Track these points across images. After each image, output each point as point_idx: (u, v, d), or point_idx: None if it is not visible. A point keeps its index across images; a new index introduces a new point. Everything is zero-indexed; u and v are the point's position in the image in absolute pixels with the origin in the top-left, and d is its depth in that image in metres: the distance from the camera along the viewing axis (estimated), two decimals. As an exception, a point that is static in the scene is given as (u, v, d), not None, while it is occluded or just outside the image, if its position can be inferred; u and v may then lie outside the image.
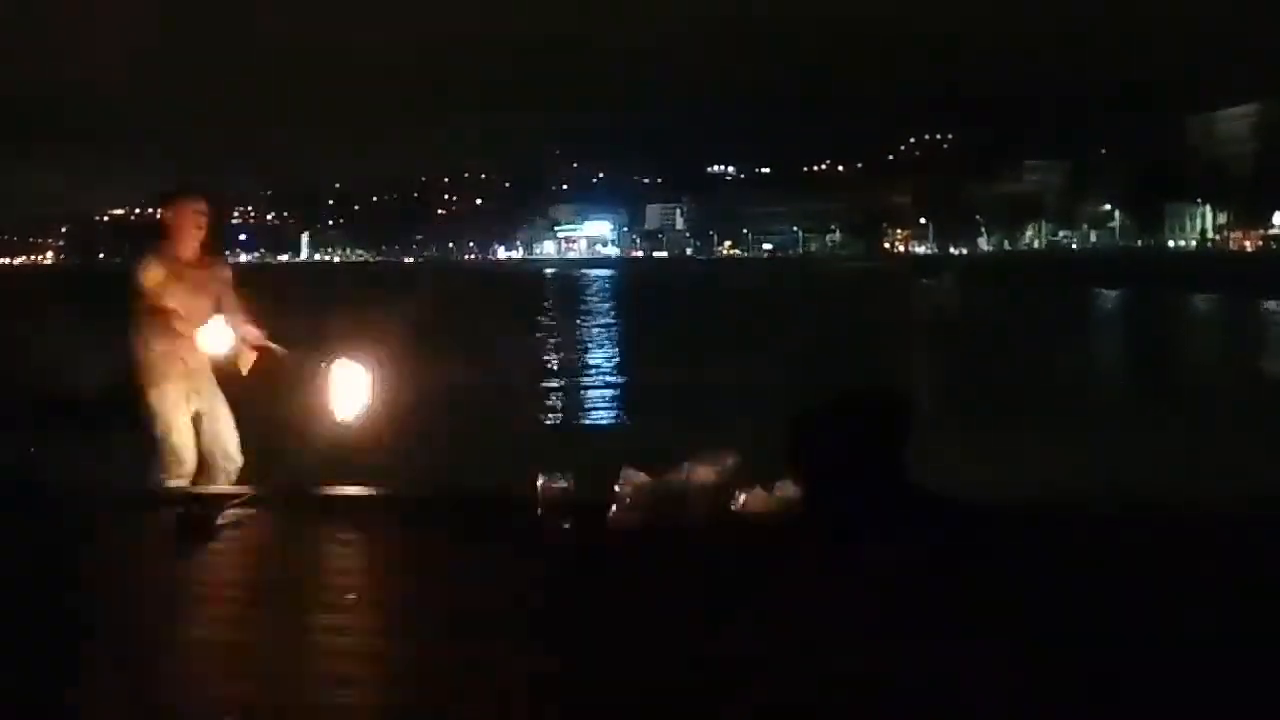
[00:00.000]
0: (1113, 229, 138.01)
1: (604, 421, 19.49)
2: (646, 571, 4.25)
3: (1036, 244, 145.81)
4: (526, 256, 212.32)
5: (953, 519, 4.54)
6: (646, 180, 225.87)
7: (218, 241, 6.34)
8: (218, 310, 6.04)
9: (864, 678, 3.15)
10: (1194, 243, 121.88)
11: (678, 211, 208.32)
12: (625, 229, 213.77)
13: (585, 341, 36.52)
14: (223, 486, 5.83)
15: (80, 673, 3.30)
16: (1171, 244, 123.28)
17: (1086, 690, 2.99)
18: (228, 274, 6.32)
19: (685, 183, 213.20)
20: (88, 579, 4.36)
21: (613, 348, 34.60)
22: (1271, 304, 46.18)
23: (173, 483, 5.86)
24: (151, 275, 5.98)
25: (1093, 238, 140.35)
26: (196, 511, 5.01)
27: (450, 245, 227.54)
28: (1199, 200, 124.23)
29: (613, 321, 47.35)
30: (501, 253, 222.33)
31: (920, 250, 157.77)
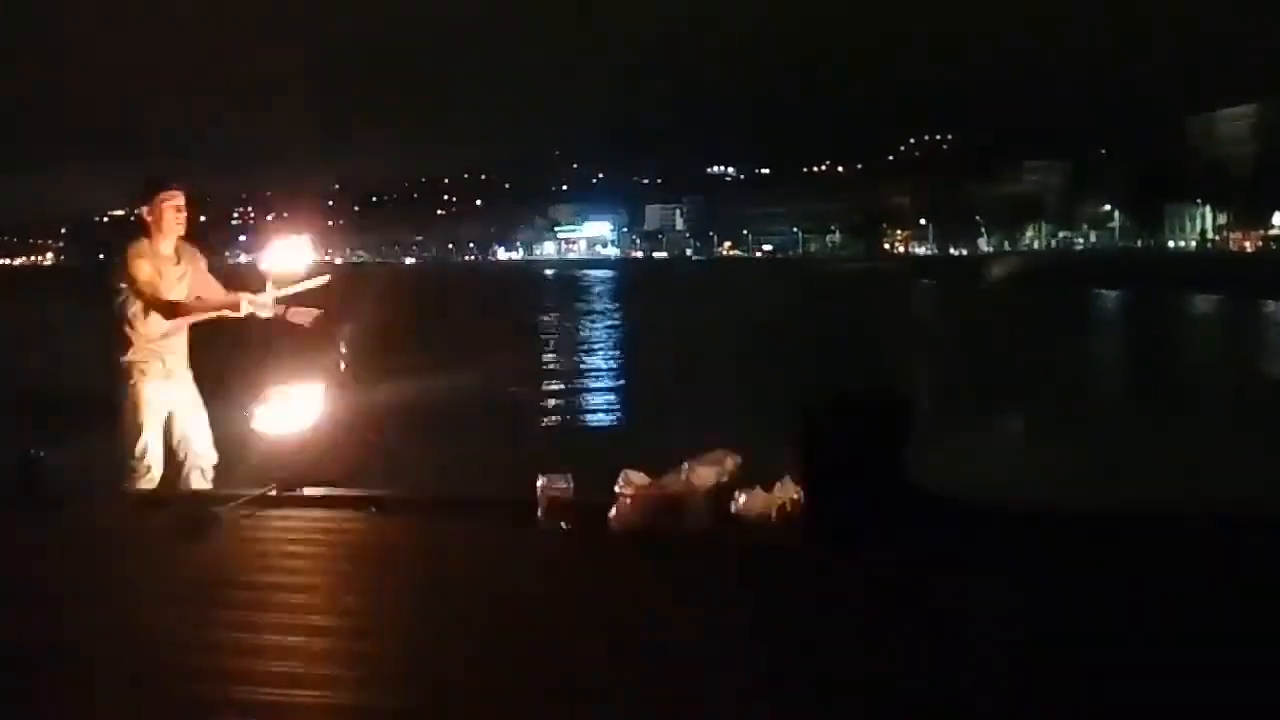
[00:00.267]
0: (1112, 229, 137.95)
1: (604, 423, 19.51)
2: (646, 573, 4.25)
3: (1037, 244, 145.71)
4: (526, 257, 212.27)
5: (953, 519, 4.54)
6: (646, 181, 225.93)
7: (193, 234, 6.26)
8: (200, 300, 6.04)
9: (864, 678, 3.15)
10: (1194, 243, 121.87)
11: (677, 212, 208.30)
12: (625, 230, 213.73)
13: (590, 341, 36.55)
14: (230, 488, 5.81)
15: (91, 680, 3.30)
16: (1171, 244, 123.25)
17: (1086, 691, 2.99)
18: (204, 264, 6.25)
19: (685, 183, 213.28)
20: (91, 580, 4.36)
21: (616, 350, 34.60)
22: (1271, 305, 46.17)
23: (140, 486, 5.81)
24: (141, 268, 5.90)
25: (1093, 238, 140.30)
26: (196, 512, 5.01)
27: (450, 246, 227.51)
28: (1199, 201, 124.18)
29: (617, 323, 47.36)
30: (501, 254, 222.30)
31: (920, 251, 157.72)
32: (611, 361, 30.90)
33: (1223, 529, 4.72)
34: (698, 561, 4.32)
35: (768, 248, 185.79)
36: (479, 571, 4.40)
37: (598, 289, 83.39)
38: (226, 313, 6.02)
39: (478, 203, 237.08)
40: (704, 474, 4.62)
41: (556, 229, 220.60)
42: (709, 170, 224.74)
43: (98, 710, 3.07)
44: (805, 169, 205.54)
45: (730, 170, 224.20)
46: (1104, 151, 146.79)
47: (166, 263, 6.02)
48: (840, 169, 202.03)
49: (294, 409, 5.41)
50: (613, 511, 4.58)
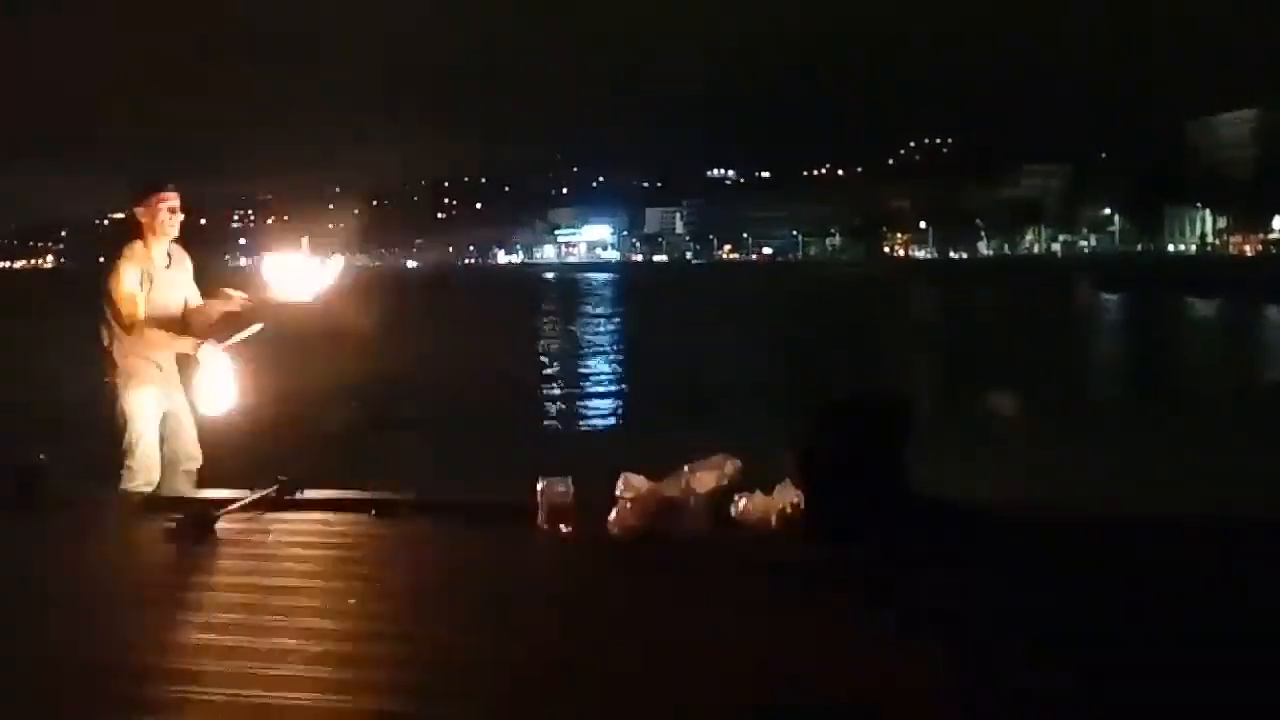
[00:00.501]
0: (1112, 233, 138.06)
1: (604, 425, 19.51)
2: (646, 577, 4.25)
3: (1036, 248, 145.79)
4: (526, 261, 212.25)
5: (953, 521, 4.54)
6: (646, 184, 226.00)
7: (185, 237, 6.24)
8: (186, 305, 6.05)
9: (864, 679, 3.15)
10: (1194, 247, 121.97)
11: (677, 215, 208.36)
12: (625, 233, 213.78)
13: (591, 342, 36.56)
14: (229, 491, 5.81)
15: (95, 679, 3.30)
16: (1171, 248, 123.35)
17: (1086, 691, 2.99)
18: (190, 269, 6.23)
19: (685, 187, 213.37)
20: (90, 583, 4.36)
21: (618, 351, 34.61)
22: (1273, 309, 46.18)
23: (137, 490, 5.81)
24: (124, 281, 5.88)
25: (1092, 241, 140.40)
26: (197, 514, 5.00)
27: (449, 249, 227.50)
28: (1199, 204, 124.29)
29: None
30: (501, 257, 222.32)
31: (920, 255, 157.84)
32: (612, 364, 30.91)
33: (1223, 531, 4.72)
34: (697, 565, 4.32)
35: (768, 251, 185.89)
36: (478, 575, 4.40)
37: (603, 293, 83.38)
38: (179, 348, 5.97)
39: (478, 206, 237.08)
40: (704, 478, 4.62)
41: (556, 232, 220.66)
42: (709, 173, 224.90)
43: (98, 712, 3.07)
44: (805, 172, 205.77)
45: (730, 173, 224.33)
46: (1104, 155, 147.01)
47: (159, 266, 6.01)
48: (840, 172, 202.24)
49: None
50: (613, 515, 4.58)
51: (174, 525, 4.91)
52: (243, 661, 3.35)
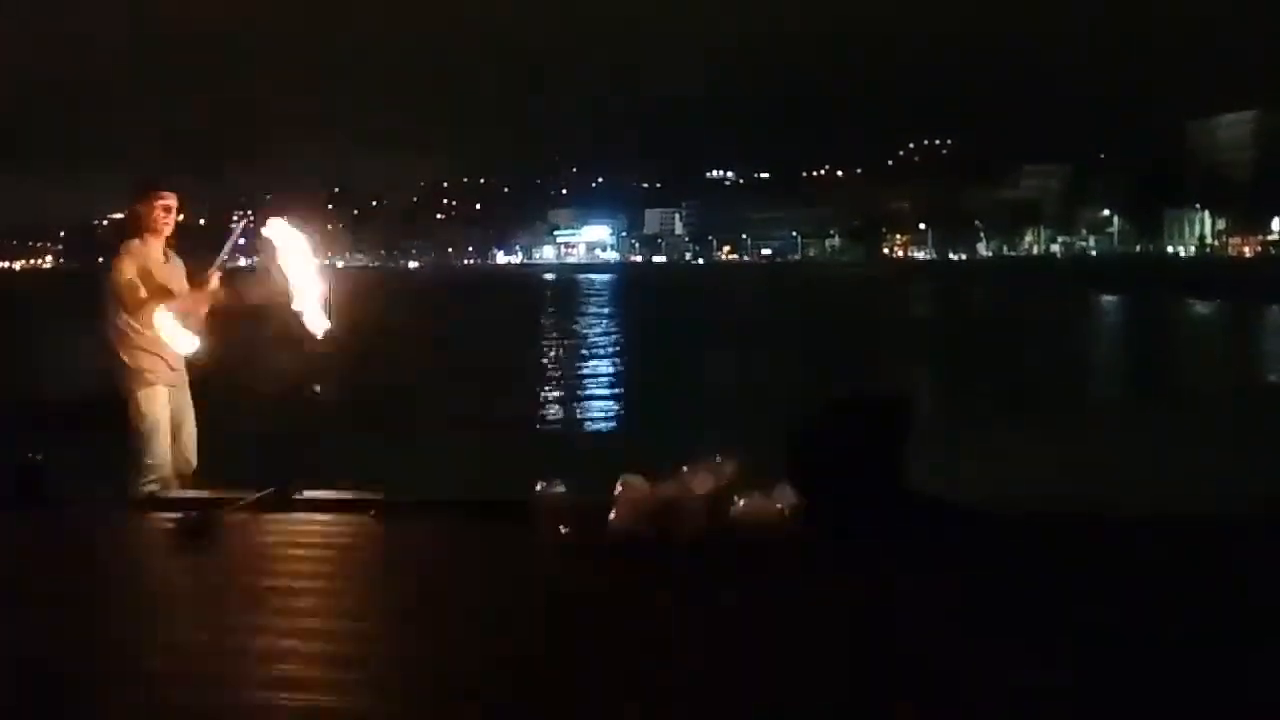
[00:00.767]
0: (1111, 235, 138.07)
1: (603, 426, 19.50)
2: (645, 577, 4.25)
3: (1036, 249, 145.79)
4: (525, 261, 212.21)
5: (952, 520, 4.54)
6: (645, 185, 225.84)
7: (177, 237, 6.26)
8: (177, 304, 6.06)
9: (864, 678, 3.15)
10: (1193, 248, 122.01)
11: (677, 216, 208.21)
12: (624, 234, 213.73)
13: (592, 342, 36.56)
14: (228, 492, 5.80)
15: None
16: (1170, 249, 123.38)
17: (1086, 691, 2.99)
18: (183, 271, 6.24)
19: (684, 187, 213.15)
20: (90, 583, 4.36)
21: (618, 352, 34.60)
22: (1273, 310, 46.17)
23: (148, 489, 5.81)
24: (125, 269, 5.91)
25: (1092, 243, 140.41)
26: (195, 515, 5.00)
27: (449, 250, 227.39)
28: (1198, 206, 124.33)
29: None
30: (500, 258, 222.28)
31: (920, 256, 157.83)
32: (611, 365, 30.90)
33: (1223, 530, 4.72)
34: (696, 565, 4.32)
35: (767, 252, 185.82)
36: (477, 575, 4.40)
37: (603, 293, 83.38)
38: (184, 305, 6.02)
39: (477, 206, 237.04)
40: (702, 479, 4.62)
41: (555, 233, 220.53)
42: (708, 174, 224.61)
43: (98, 712, 3.06)
44: (804, 173, 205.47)
45: (729, 174, 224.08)
46: (1103, 156, 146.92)
47: (156, 261, 6.03)
48: (840, 173, 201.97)
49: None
50: (611, 516, 4.58)
51: (175, 525, 4.91)
52: (240, 663, 3.35)
